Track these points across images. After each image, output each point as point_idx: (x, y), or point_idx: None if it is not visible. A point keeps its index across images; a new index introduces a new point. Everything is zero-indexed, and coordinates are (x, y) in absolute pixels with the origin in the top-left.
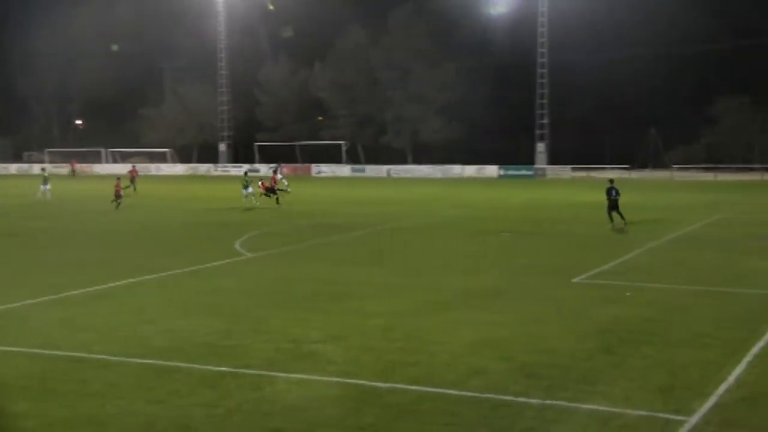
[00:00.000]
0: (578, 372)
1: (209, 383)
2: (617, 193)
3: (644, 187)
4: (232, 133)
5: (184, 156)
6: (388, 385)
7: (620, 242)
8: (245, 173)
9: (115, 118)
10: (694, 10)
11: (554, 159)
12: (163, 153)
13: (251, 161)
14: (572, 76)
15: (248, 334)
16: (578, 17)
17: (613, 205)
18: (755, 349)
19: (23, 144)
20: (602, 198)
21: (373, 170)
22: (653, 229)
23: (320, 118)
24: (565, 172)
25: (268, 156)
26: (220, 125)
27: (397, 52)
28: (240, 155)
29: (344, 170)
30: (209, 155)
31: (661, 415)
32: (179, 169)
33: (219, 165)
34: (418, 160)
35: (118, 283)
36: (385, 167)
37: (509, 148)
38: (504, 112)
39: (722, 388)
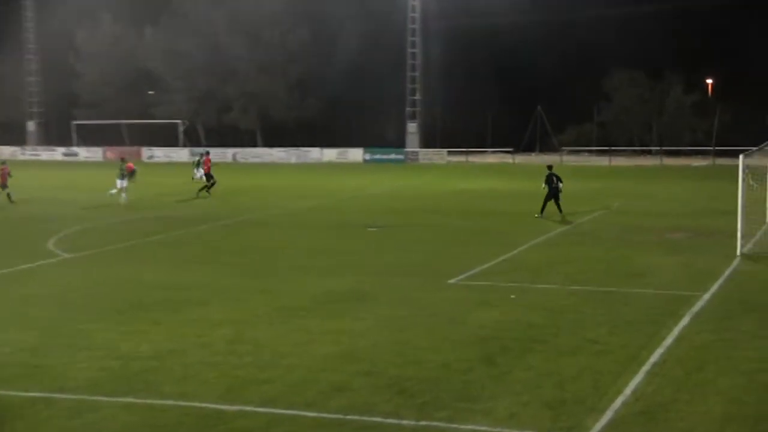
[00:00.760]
0: (456, 387)
1: (15, 412)
2: (558, 179)
3: (530, 173)
4: (43, 110)
5: None
6: (235, 407)
7: (503, 237)
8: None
9: None
10: None
11: (428, 141)
12: None
13: (68, 142)
14: (448, 46)
15: (65, 351)
16: None
17: (552, 194)
18: (654, 357)
19: None
20: (483, 186)
21: (216, 154)
22: (539, 221)
23: (152, 92)
24: (440, 156)
25: (89, 136)
26: (27, 99)
27: (243, 14)
28: (53, 136)
29: (181, 154)
30: (14, 136)
31: None
32: None
33: (27, 147)
34: (270, 143)
35: None
36: (231, 151)
37: (376, 129)
38: (370, 86)
39: (618, 402)
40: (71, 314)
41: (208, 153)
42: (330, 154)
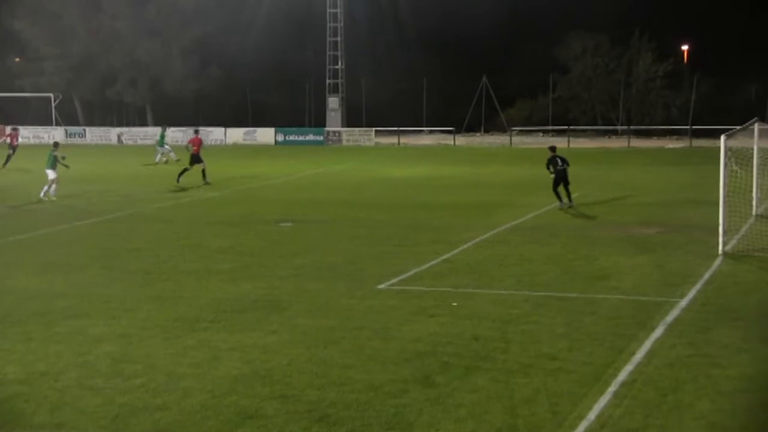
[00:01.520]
0: (387, 412)
1: None
2: (564, 162)
3: (472, 157)
4: None
5: None
6: None
7: (442, 234)
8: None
9: None
10: None
11: (352, 120)
12: None
13: None
14: (377, 6)
15: None
16: None
17: (561, 178)
18: (622, 376)
19: None
20: (419, 173)
21: (97, 134)
22: (485, 215)
23: (18, 59)
24: (367, 137)
25: None
26: None
27: None
28: None
29: (55, 134)
30: None
31: None
32: None
33: None
34: (162, 121)
35: None
36: (116, 130)
37: (292, 105)
38: (282, 54)
39: (580, 429)
40: None
41: (197, 132)
42: (235, 135)
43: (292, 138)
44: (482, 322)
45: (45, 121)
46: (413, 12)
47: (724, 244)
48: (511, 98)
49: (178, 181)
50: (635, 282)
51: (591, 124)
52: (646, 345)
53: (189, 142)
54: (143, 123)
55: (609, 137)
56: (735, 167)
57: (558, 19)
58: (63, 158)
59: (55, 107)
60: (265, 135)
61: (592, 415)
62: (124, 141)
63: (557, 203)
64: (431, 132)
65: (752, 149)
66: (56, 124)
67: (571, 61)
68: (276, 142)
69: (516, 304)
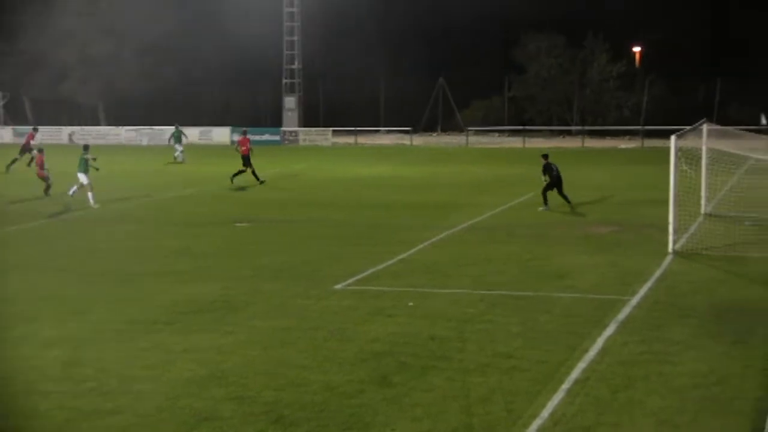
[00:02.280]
0: (344, 413)
1: None
2: (558, 169)
3: (430, 156)
4: None
5: None
6: None
7: (399, 233)
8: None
9: None
10: None
11: (309, 119)
12: None
13: None
14: (335, 6)
15: None
16: None
17: (555, 183)
18: (575, 373)
19: None
20: (376, 172)
21: (48, 134)
22: (441, 215)
23: None
24: (324, 137)
25: None
26: None
27: None
28: None
29: (3, 134)
30: None
31: None
32: None
33: None
34: (115, 121)
35: None
36: (67, 130)
37: (248, 104)
38: (238, 53)
39: (534, 427)
40: None
41: (245, 132)
42: (191, 135)
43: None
44: (439, 321)
45: None
46: (371, 12)
47: (675, 242)
48: (467, 98)
49: (232, 181)
50: (590, 280)
51: (546, 124)
52: (599, 343)
53: (237, 143)
54: (95, 122)
55: (564, 137)
56: (685, 167)
57: (514, 20)
58: (94, 159)
59: (3, 106)
60: (221, 134)
61: (545, 413)
62: (75, 140)
63: (542, 207)
64: (388, 132)
65: (701, 149)
66: (4, 124)
67: (526, 62)
68: (232, 141)
69: (472, 304)
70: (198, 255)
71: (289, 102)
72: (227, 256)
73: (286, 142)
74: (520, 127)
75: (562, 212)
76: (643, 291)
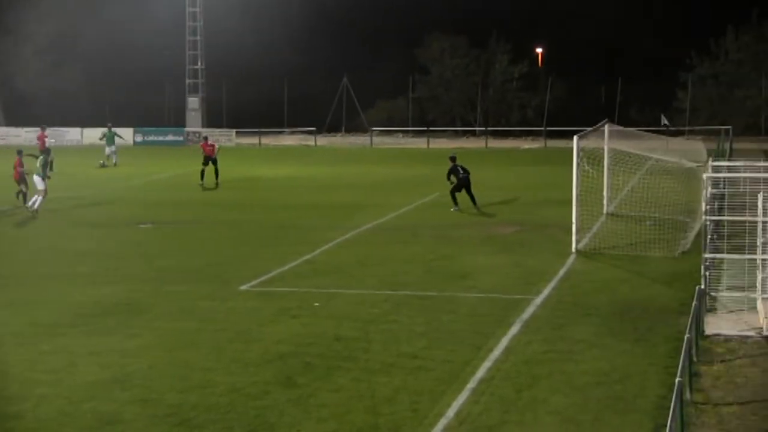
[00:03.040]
0: (249, 415)
1: None
2: (465, 170)
3: (334, 157)
4: None
5: None
6: None
7: (304, 234)
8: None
9: None
10: None
11: (213, 120)
12: None
13: None
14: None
15: None
16: None
17: (462, 185)
18: (480, 373)
19: None
20: (280, 173)
21: None
22: (346, 215)
23: None
24: (227, 137)
25: None
26: None
27: None
28: None
29: None
30: None
31: None
32: None
33: None
34: (14, 121)
35: None
36: None
37: (151, 104)
38: (142, 52)
39: (440, 426)
40: None
41: (206, 138)
42: (93, 135)
43: (151, 138)
44: (344, 322)
45: None
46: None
47: (577, 242)
48: (372, 99)
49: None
50: (494, 280)
51: (450, 125)
52: (504, 342)
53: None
54: None
55: (467, 137)
56: (587, 167)
57: (418, 20)
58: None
59: None
60: (124, 135)
61: (451, 413)
62: None
63: (453, 207)
64: (292, 132)
65: (603, 149)
66: None
67: (430, 63)
68: (135, 142)
69: (377, 304)
70: (101, 257)
71: (193, 102)
72: (131, 258)
73: (190, 142)
74: (424, 128)
75: (466, 213)
76: (546, 290)
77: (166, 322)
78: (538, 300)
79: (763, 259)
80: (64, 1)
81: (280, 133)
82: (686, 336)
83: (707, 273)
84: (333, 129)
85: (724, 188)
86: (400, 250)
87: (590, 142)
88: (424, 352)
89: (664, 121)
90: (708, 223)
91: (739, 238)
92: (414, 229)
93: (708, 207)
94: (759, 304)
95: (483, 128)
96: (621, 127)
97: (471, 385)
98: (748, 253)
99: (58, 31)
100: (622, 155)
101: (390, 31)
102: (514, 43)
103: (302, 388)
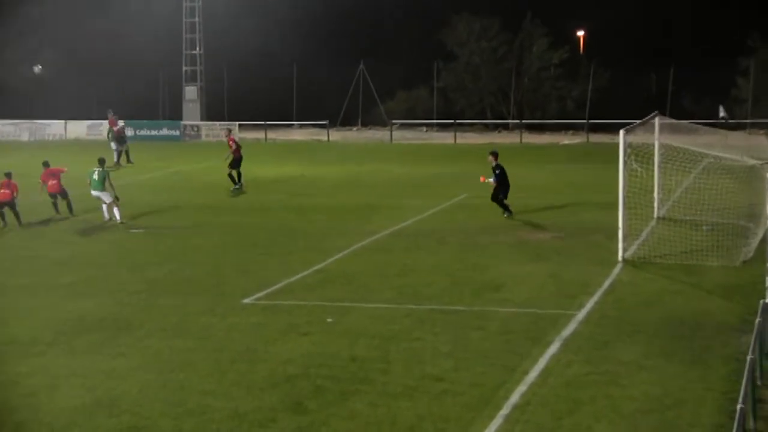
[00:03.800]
0: None
1: None
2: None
3: (349, 154)
4: None
5: None
6: None
7: (316, 240)
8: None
9: None
10: None
11: (213, 112)
12: None
13: None
14: None
15: None
16: None
17: (502, 191)
18: (514, 397)
19: None
20: (288, 172)
21: None
22: (362, 219)
23: None
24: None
25: None
26: None
27: None
28: None
29: None
30: None
31: None
32: None
33: None
34: None
35: None
36: None
37: (145, 96)
38: (134, 37)
39: None
40: None
41: (230, 131)
42: (77, 129)
43: (143, 133)
44: (360, 339)
45: None
46: None
47: (624, 249)
48: (391, 88)
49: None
50: (528, 293)
51: (479, 117)
52: (541, 363)
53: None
54: None
55: (499, 132)
56: (635, 165)
57: (443, 0)
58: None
59: None
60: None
61: None
62: None
63: (505, 213)
64: (302, 126)
65: (653, 145)
66: None
67: (457, 47)
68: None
69: (397, 319)
70: (85, 265)
71: (190, 92)
72: (119, 266)
73: (187, 137)
74: (450, 121)
75: (499, 217)
76: (589, 304)
77: (159, 340)
78: (580, 315)
79: None
80: None
81: (288, 126)
82: (749, 357)
83: None
84: (347, 122)
85: None
86: (424, 259)
87: (638, 137)
88: (450, 374)
89: (723, 113)
90: None
91: None
92: (439, 234)
93: None
94: None
95: (517, 121)
96: (673, 120)
97: (504, 411)
98: None
99: (38, 12)
100: (674, 152)
101: (412, 12)
102: (553, 26)
103: (313, 415)
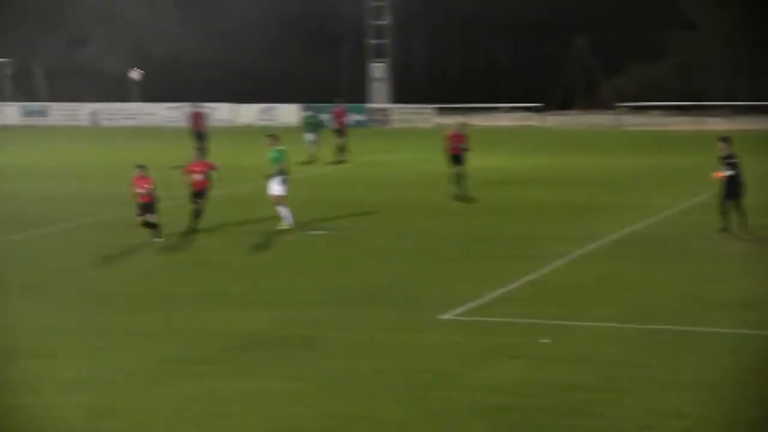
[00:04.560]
0: None
1: None
2: (734, 165)
3: (566, 143)
4: None
5: None
6: None
7: (527, 246)
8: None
9: None
10: None
11: (404, 93)
12: None
13: None
14: None
15: None
16: None
17: (732, 191)
18: None
19: None
20: (493, 163)
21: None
22: (584, 221)
23: None
24: (424, 117)
25: None
26: None
27: None
28: None
29: (9, 113)
30: None
31: None
32: None
33: None
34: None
35: None
36: (87, 108)
37: (320, 74)
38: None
39: None
40: None
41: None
42: (250, 113)
43: (323, 117)
44: (581, 365)
45: None
46: None
47: None
48: (617, 64)
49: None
50: None
51: (729, 98)
52: None
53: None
54: (124, 98)
55: (751, 115)
56: None
57: None
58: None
59: (11, 77)
60: (287, 113)
61: None
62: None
63: (723, 224)
64: (511, 109)
65: None
66: (12, 100)
67: (699, 13)
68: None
69: (626, 341)
70: (253, 272)
71: (377, 70)
72: (292, 273)
73: (374, 123)
74: (694, 103)
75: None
76: None
77: (342, 361)
78: None
79: None
80: None
81: (493, 109)
82: None
83: None
84: (565, 105)
85: None
86: (659, 269)
87: None
88: (692, 409)
89: None
90: None
91: None
92: (679, 240)
93: None
94: None
95: (760, 103)
96: None
97: None
98: None
99: None
100: None
101: None
102: None
103: None
